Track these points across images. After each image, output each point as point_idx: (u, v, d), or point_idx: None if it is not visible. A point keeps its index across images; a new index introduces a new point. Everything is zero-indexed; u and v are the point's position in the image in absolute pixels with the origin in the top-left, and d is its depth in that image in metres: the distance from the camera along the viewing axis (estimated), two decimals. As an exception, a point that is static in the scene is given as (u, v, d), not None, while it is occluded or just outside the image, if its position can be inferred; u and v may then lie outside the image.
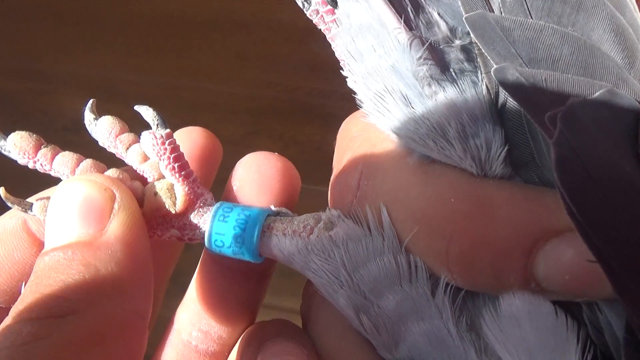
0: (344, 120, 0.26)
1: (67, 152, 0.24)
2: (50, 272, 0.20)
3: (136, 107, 0.23)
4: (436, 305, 0.22)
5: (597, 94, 0.19)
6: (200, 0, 0.80)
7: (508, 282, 0.20)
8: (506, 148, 0.21)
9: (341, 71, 0.25)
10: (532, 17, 0.21)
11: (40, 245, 0.24)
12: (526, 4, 0.21)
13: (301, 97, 0.78)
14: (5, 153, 0.24)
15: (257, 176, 0.25)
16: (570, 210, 0.17)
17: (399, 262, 0.22)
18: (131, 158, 0.24)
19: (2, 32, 0.89)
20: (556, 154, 0.18)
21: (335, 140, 0.27)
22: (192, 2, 0.80)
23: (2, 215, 0.24)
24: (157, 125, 0.23)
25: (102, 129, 0.24)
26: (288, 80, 0.78)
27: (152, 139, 0.23)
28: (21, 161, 0.24)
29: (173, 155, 0.23)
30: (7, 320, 0.18)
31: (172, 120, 0.25)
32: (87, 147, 0.25)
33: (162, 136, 0.23)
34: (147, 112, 0.23)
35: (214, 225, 0.24)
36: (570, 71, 0.20)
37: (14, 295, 0.23)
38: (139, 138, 0.24)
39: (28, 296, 0.19)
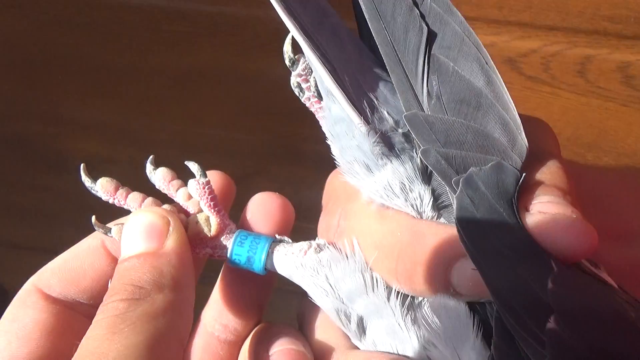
0: (332, 164, 0.29)
1: (135, 192, 0.29)
2: (129, 271, 0.25)
3: (186, 162, 0.28)
4: (391, 307, 0.26)
5: (489, 165, 0.24)
6: (207, 57, 0.81)
7: (435, 289, 0.25)
8: (432, 199, 0.26)
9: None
10: (447, 115, 0.26)
11: (113, 259, 0.29)
12: (444, 106, 0.26)
13: (296, 143, 0.79)
14: (94, 192, 0.29)
15: (263, 209, 0.30)
16: (462, 239, 0.23)
17: (365, 278, 0.26)
18: (179, 197, 0.29)
19: (23, 79, 0.88)
20: (457, 204, 0.23)
21: (325, 183, 0.31)
22: (200, 58, 0.81)
23: (88, 236, 0.29)
24: (200, 175, 0.28)
25: (159, 177, 0.29)
26: (285, 128, 0.79)
27: (196, 184, 0.28)
28: (104, 198, 0.29)
29: (210, 196, 0.28)
30: (104, 303, 0.25)
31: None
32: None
33: (203, 183, 0.28)
34: (193, 166, 0.28)
35: (233, 249, 0.28)
36: (472, 150, 0.25)
37: (95, 295, 0.28)
38: (184, 183, 0.29)
39: (116, 286, 0.25)
